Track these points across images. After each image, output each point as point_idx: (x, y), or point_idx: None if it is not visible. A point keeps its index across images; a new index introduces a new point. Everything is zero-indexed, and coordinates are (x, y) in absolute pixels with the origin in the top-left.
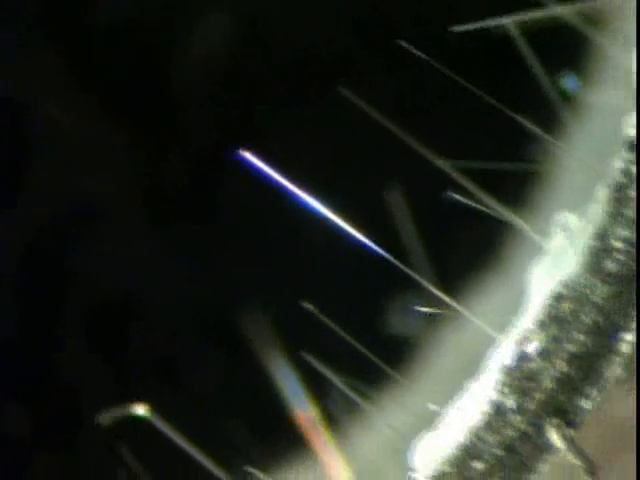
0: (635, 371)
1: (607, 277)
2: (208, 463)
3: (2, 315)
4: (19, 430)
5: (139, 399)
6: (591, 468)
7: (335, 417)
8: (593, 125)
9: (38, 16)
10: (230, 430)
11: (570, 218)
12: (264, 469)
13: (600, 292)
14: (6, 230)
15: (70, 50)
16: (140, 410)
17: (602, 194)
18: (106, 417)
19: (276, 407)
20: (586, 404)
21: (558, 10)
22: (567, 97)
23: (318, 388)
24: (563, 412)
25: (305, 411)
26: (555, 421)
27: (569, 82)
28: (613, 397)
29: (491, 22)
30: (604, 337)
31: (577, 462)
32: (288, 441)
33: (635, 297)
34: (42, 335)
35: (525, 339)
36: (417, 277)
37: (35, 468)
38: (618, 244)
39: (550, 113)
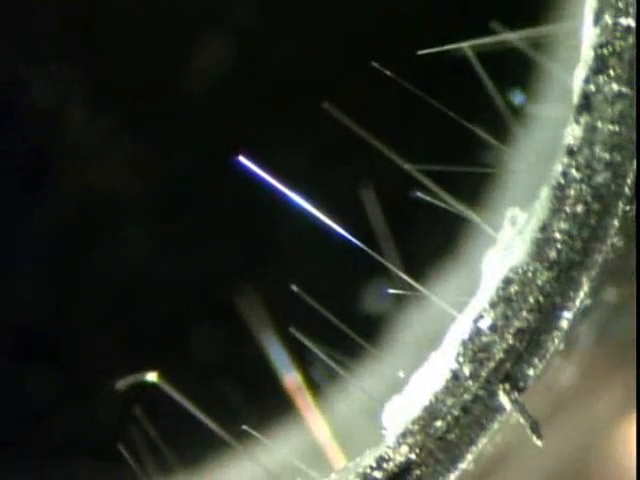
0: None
1: (548, 263)
2: (210, 423)
3: (29, 302)
4: (38, 392)
5: (150, 368)
6: (535, 426)
7: (318, 384)
8: (538, 135)
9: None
10: (228, 394)
11: (518, 213)
12: (258, 428)
13: (542, 276)
14: (22, 227)
15: (85, 59)
16: (151, 377)
17: (545, 193)
18: (122, 383)
19: (268, 375)
20: (531, 372)
21: (509, 37)
22: (516, 111)
23: (304, 359)
24: (511, 378)
25: (292, 378)
26: (505, 386)
27: (517, 98)
28: (553, 366)
29: (451, 46)
30: (546, 314)
31: (523, 421)
32: (278, 404)
33: (575, 280)
34: (60, 312)
35: (479, 316)
36: (388, 264)
37: (55, 429)
38: (558, 235)
39: (501, 124)
